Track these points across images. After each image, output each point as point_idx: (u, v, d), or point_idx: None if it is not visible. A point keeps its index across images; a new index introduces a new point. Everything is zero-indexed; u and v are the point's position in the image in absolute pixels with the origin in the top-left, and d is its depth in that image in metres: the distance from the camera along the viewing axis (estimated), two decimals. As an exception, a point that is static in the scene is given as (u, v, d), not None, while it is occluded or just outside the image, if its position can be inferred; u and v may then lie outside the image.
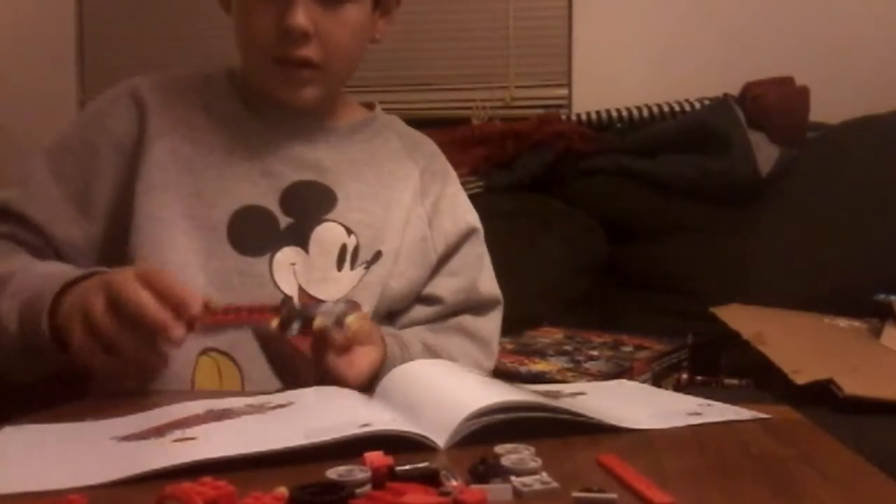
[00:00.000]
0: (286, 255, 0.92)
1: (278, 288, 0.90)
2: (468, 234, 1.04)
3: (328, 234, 0.94)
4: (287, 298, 0.86)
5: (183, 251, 0.89)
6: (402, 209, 1.00)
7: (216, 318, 0.74)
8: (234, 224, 0.91)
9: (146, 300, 0.69)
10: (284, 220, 0.93)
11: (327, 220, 0.95)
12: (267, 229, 0.92)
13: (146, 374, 0.77)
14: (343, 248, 0.95)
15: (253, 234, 0.92)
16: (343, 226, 0.95)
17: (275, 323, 0.75)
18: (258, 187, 0.94)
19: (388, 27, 1.02)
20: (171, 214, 0.90)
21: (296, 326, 0.74)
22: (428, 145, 1.11)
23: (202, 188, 0.92)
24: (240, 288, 0.89)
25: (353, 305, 0.78)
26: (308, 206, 0.95)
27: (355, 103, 1.08)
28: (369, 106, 1.09)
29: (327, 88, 0.97)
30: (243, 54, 0.96)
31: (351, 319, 0.76)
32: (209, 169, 0.93)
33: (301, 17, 0.88)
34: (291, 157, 0.97)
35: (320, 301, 0.90)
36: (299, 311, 0.75)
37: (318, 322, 0.74)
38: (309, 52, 0.91)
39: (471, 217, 1.07)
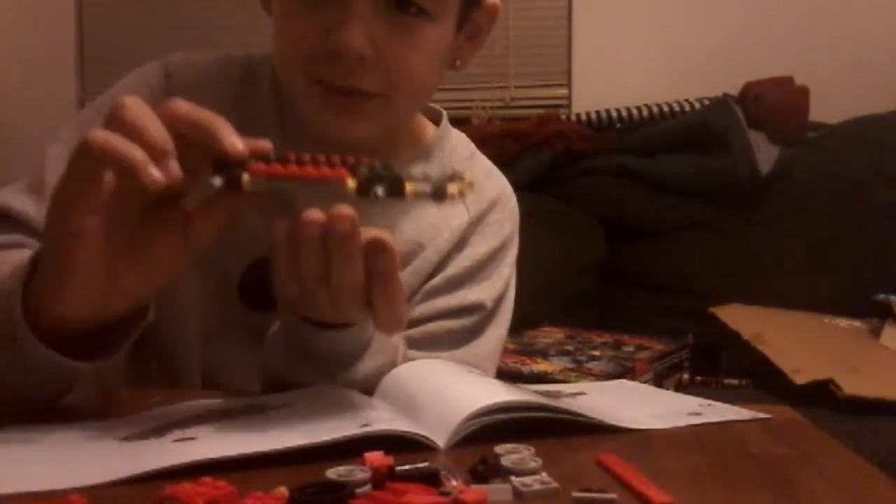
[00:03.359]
0: None
1: None
2: (472, 309, 0.84)
3: None
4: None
5: (186, 296, 0.79)
6: (429, 269, 0.83)
7: (270, 170, 0.54)
8: (247, 275, 0.80)
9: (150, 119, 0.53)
10: None
11: None
12: None
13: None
14: None
15: (267, 288, 0.77)
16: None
17: (351, 184, 0.55)
18: None
19: (476, 52, 0.82)
20: None
21: (380, 190, 0.55)
22: (492, 188, 0.88)
23: None
24: (242, 344, 0.80)
25: (455, 174, 0.57)
26: None
27: (420, 123, 0.88)
28: (436, 118, 0.89)
29: (387, 123, 0.77)
30: (279, 71, 0.79)
31: (455, 189, 0.56)
32: None
33: (357, 35, 0.68)
34: (318, 204, 0.73)
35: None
36: (382, 170, 0.56)
37: (413, 189, 0.56)
38: (364, 81, 0.71)
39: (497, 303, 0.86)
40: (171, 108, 0.54)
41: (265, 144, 0.55)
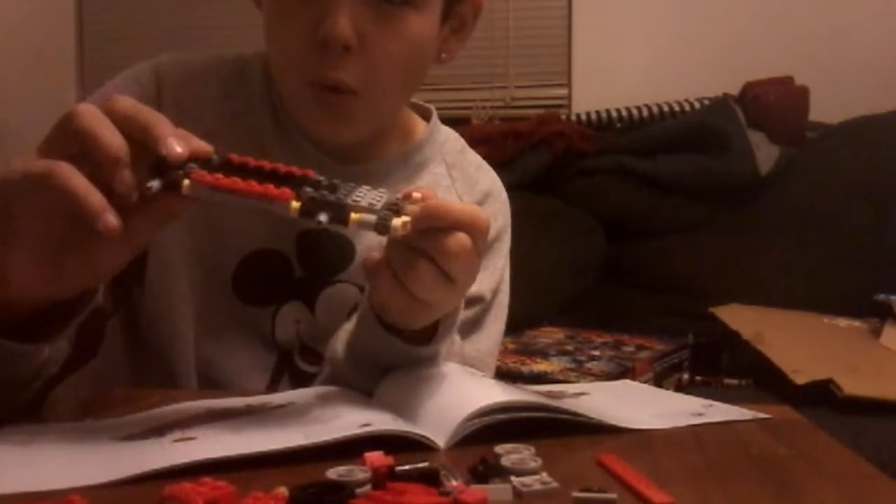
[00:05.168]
0: (292, 310, 0.82)
1: (276, 343, 0.82)
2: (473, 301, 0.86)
3: (338, 298, 0.82)
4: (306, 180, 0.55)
5: (180, 290, 0.80)
6: None
7: (212, 180, 0.53)
8: (242, 268, 0.81)
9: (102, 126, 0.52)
10: (298, 271, 0.82)
11: (339, 282, 0.82)
12: (278, 278, 0.81)
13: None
14: (355, 307, 0.81)
15: (262, 282, 0.81)
16: (358, 286, 0.82)
17: (295, 206, 0.53)
18: (277, 228, 0.81)
19: (461, 46, 0.83)
20: (180, 249, 0.80)
21: (323, 217, 0.53)
22: (484, 181, 0.90)
23: (217, 221, 0.80)
24: (236, 338, 0.81)
25: (395, 203, 0.56)
26: (322, 259, 0.82)
27: (410, 120, 0.89)
28: (426, 115, 0.91)
29: (374, 121, 0.79)
30: (272, 71, 0.80)
31: (399, 223, 0.54)
32: None
33: (343, 25, 0.69)
34: None
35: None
36: (329, 197, 0.53)
37: (358, 218, 0.53)
38: (349, 72, 0.71)
39: (493, 294, 0.87)
40: (112, 107, 0.53)
41: (206, 148, 0.54)
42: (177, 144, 0.53)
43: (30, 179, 0.52)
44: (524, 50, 2.49)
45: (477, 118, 2.43)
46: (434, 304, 0.61)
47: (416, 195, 0.57)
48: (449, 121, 0.94)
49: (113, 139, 0.52)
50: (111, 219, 0.51)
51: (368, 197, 0.55)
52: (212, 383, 0.81)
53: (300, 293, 0.82)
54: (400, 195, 0.57)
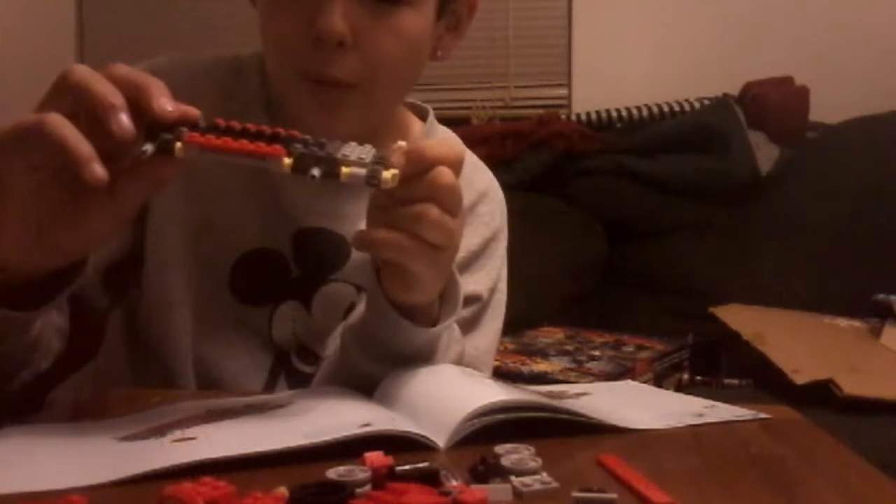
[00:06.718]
0: (288, 310, 0.82)
1: (274, 343, 0.82)
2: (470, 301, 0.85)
3: (334, 296, 0.82)
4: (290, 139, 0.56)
5: (177, 291, 0.80)
6: None
7: (205, 141, 0.54)
8: (239, 268, 0.81)
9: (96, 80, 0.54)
10: (295, 270, 0.82)
11: (335, 281, 0.83)
12: (275, 278, 0.82)
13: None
14: (351, 306, 0.82)
15: (258, 281, 0.82)
16: (353, 284, 0.83)
17: (287, 161, 0.55)
18: (273, 227, 0.81)
19: (456, 43, 0.83)
20: (177, 249, 0.80)
21: (316, 171, 0.55)
22: (480, 181, 0.91)
23: (214, 219, 0.81)
24: (234, 338, 0.81)
25: (382, 157, 0.58)
26: (318, 259, 0.83)
27: (406, 118, 0.89)
28: (422, 114, 0.91)
29: (370, 115, 0.78)
30: (268, 65, 0.80)
31: (389, 175, 0.56)
32: (224, 197, 0.81)
33: (336, 21, 0.69)
34: (307, 196, 0.81)
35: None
36: (319, 153, 0.56)
37: (349, 172, 0.55)
38: (344, 68, 0.72)
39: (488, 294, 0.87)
40: (111, 70, 0.55)
41: (194, 112, 0.56)
42: (168, 104, 0.54)
43: (20, 132, 0.53)
44: (524, 50, 2.49)
45: (477, 118, 2.43)
46: (442, 244, 0.62)
47: (401, 143, 0.59)
48: (449, 121, 0.93)
49: (108, 89, 0.53)
50: (98, 168, 0.51)
51: (356, 152, 0.57)
52: (209, 383, 0.80)
53: (297, 292, 0.82)
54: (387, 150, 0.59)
